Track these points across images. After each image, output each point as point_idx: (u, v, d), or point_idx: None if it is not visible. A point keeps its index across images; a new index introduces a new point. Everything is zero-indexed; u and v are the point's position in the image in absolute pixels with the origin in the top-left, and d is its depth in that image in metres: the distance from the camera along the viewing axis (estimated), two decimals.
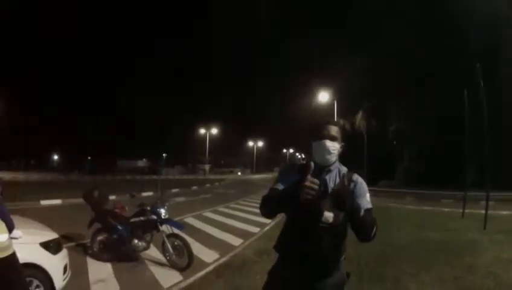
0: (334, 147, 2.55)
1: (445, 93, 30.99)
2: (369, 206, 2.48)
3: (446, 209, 18.47)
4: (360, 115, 46.27)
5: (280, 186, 2.58)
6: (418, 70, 37.68)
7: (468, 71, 15.36)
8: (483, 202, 13.08)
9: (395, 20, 42.76)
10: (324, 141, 2.54)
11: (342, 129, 2.74)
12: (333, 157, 2.57)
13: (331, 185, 2.53)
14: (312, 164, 2.34)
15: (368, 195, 2.54)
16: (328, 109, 34.43)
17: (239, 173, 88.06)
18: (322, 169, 2.56)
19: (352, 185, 2.53)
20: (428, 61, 36.30)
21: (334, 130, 2.59)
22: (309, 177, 2.20)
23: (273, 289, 2.73)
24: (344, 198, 2.34)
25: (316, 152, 2.58)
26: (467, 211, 15.42)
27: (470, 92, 15.03)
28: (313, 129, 2.69)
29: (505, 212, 16.17)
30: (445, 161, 33.97)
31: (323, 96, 33.96)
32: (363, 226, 2.38)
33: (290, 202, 2.38)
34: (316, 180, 2.21)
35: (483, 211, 12.58)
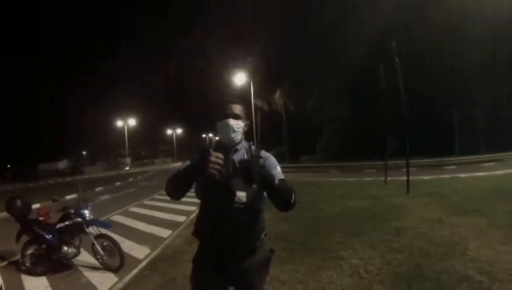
0: (238, 125, 2.63)
1: (361, 68, 31.78)
2: (282, 177, 2.54)
3: (369, 179, 19.21)
4: (278, 94, 46.71)
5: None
6: (333, 47, 38.31)
7: (383, 47, 15.83)
8: (405, 169, 13.54)
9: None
10: (227, 120, 2.61)
11: (246, 107, 2.80)
12: (238, 135, 2.65)
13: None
14: (214, 138, 2.32)
15: (278, 167, 2.63)
16: (244, 90, 34.55)
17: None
18: (229, 149, 2.64)
19: (261, 160, 2.61)
20: (344, 39, 36.98)
21: (237, 108, 2.66)
22: (212, 151, 2.25)
23: (200, 276, 2.76)
24: (252, 169, 2.33)
25: (221, 132, 2.65)
26: (389, 178, 16.11)
27: (387, 67, 15.55)
28: (216, 109, 2.75)
29: (427, 177, 17.05)
30: (365, 133, 34.99)
31: (240, 78, 33.98)
32: (279, 193, 2.39)
33: (194, 177, 2.44)
34: (220, 155, 2.25)
35: (405, 178, 13.07)
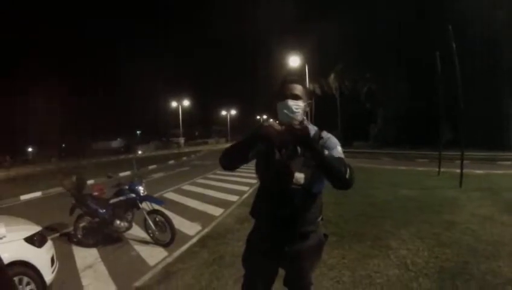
0: (297, 105, 2.53)
1: (417, 54, 30.91)
2: (341, 156, 2.44)
3: (422, 169, 18.59)
4: (332, 77, 46.22)
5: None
6: (389, 32, 37.48)
7: (440, 33, 15.30)
8: (459, 161, 13.24)
9: None
10: (286, 100, 2.53)
11: (307, 87, 2.73)
12: (298, 116, 2.55)
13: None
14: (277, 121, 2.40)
15: (339, 147, 2.52)
16: (299, 72, 34.37)
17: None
18: None
19: (322, 141, 2.53)
20: (401, 23, 36.10)
21: (296, 88, 2.57)
22: (271, 121, 2.35)
23: (252, 255, 2.82)
24: (308, 139, 2.25)
25: (280, 113, 2.58)
26: (442, 170, 15.58)
27: (443, 53, 15.06)
28: (276, 90, 2.68)
29: (480, 171, 16.31)
30: (419, 121, 34.23)
31: (294, 60, 33.76)
32: (331, 166, 2.26)
33: (250, 143, 2.44)
34: (277, 124, 2.28)
35: (458, 170, 12.78)
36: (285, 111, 2.54)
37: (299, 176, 2.41)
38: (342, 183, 2.30)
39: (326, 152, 2.26)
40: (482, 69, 29.97)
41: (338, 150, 2.48)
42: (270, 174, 2.51)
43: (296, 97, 2.54)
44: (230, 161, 2.63)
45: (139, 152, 60.72)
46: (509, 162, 21.50)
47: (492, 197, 10.05)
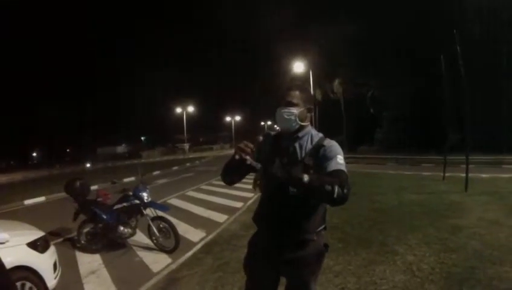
0: (289, 112, 2.50)
1: (422, 58, 30.82)
2: (337, 167, 2.31)
3: (427, 173, 18.54)
4: (337, 82, 46.19)
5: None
6: (393, 37, 37.39)
7: (446, 34, 15.23)
8: (464, 166, 13.17)
9: None
10: (279, 108, 2.54)
11: (307, 93, 2.69)
12: (291, 122, 2.52)
13: (300, 152, 2.52)
14: (261, 137, 2.54)
15: (339, 156, 2.38)
16: (303, 78, 34.45)
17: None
18: (290, 137, 2.58)
19: (322, 149, 2.45)
20: (404, 25, 36.06)
21: (291, 95, 2.54)
22: (245, 141, 2.29)
23: (252, 260, 2.79)
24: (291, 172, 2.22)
25: (276, 120, 2.58)
26: (448, 174, 15.54)
27: (448, 57, 14.99)
28: (275, 98, 2.69)
29: (485, 175, 16.25)
30: (424, 125, 34.11)
31: (299, 66, 33.90)
32: (313, 192, 2.20)
33: (234, 163, 2.41)
34: (250, 144, 2.27)
35: (464, 174, 12.67)
36: (277, 118, 2.56)
37: None
38: (329, 203, 2.26)
39: (306, 178, 2.14)
40: (489, 71, 29.78)
41: (337, 160, 2.36)
42: (268, 180, 2.42)
43: (288, 104, 2.52)
44: (224, 177, 2.70)
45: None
46: None
47: (499, 202, 9.98)
